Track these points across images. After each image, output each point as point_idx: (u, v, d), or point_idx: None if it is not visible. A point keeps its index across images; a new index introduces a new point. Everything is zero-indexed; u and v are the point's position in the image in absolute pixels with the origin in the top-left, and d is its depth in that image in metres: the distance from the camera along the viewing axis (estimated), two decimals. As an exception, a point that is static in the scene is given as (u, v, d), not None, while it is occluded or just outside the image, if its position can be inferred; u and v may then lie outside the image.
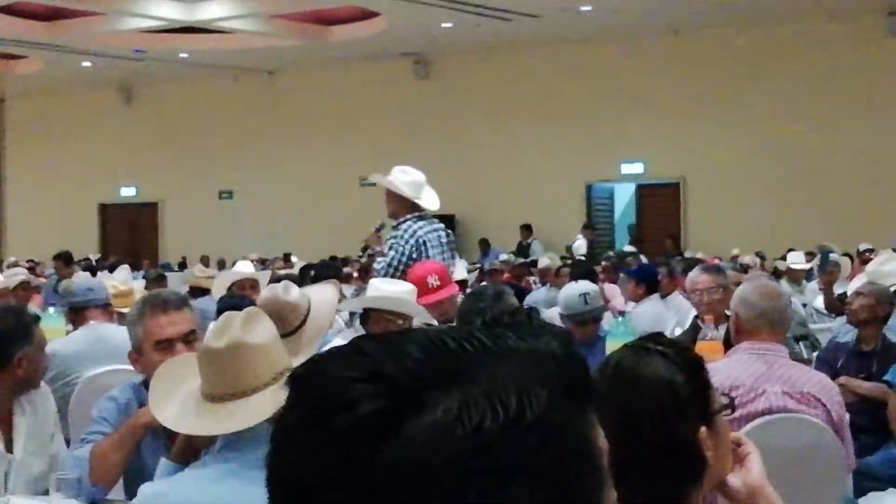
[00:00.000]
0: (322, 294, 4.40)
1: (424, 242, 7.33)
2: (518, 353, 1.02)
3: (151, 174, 25.54)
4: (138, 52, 21.67)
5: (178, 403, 3.00)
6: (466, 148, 22.38)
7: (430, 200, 7.53)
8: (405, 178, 7.47)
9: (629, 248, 17.71)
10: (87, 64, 23.06)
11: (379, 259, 7.69)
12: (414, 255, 7.25)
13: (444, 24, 19.49)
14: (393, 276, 7.09)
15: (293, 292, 5.64)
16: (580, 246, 18.69)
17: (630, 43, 20.57)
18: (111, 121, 26.29)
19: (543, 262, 13.83)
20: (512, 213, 21.44)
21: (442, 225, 7.60)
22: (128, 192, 26.65)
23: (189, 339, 3.75)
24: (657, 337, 2.34)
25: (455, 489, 0.95)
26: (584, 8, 18.24)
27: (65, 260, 12.63)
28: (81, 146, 26.60)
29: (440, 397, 0.97)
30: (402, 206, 7.46)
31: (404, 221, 7.38)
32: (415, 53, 22.44)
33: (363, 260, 11.63)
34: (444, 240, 7.49)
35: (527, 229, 21.08)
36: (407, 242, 7.32)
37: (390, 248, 7.43)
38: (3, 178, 28.53)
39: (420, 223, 7.38)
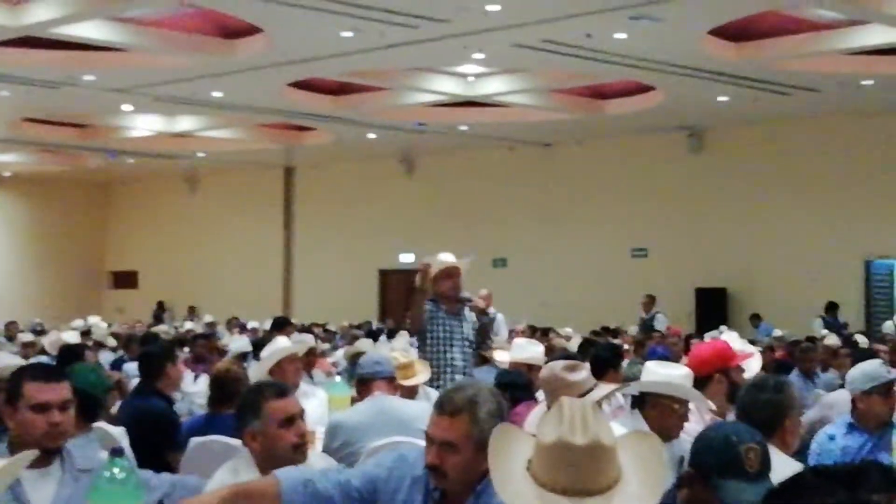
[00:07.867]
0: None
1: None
2: None
3: (429, 241, 26.03)
4: (420, 124, 22.43)
5: (515, 483, 2.97)
6: (738, 222, 22.07)
7: None
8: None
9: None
10: (371, 136, 23.94)
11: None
12: None
13: (720, 98, 19.42)
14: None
15: (579, 374, 5.84)
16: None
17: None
18: (392, 190, 27.14)
19: (831, 339, 13.24)
20: (784, 288, 21.05)
21: None
22: (406, 259, 27.36)
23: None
24: None
25: None
26: (864, 82, 17.89)
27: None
28: (364, 213, 27.53)
29: None
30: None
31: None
32: (689, 127, 22.40)
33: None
34: None
35: (831, 307, 19.99)
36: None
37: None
38: (292, 243, 29.77)
39: None
